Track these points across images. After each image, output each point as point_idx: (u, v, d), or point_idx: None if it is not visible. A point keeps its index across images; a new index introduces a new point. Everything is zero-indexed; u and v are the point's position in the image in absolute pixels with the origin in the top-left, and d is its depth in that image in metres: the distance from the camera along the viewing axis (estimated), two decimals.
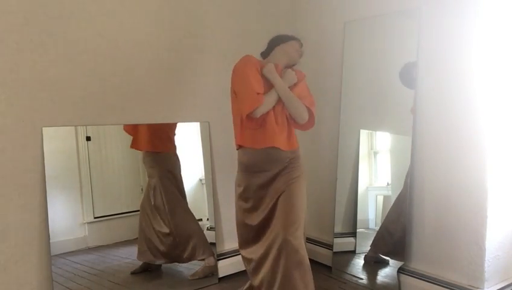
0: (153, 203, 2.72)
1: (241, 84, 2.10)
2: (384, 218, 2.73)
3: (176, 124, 2.76)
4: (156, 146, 2.76)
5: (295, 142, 2.22)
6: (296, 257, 2.03)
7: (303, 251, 2.07)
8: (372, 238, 2.77)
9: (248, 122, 2.11)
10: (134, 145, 2.67)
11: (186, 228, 2.78)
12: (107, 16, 2.40)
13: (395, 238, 2.57)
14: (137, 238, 2.71)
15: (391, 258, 2.66)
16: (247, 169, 2.20)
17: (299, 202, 2.12)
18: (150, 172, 2.75)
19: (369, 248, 2.79)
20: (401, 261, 2.54)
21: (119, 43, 2.45)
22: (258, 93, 2.04)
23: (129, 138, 2.68)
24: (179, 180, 2.79)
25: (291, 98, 2.12)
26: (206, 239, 2.82)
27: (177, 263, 2.81)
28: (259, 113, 2.06)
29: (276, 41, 2.26)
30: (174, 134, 2.78)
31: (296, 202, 2.11)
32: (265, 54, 2.28)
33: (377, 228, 2.80)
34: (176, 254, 2.76)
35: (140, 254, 2.69)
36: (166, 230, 2.73)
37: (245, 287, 2.49)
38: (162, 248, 2.72)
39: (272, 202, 2.14)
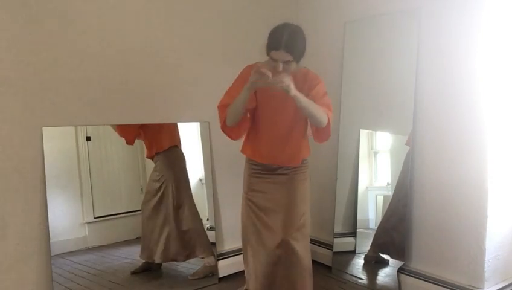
0: (158, 199, 2.72)
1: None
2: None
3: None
4: (165, 143, 2.78)
5: (304, 155, 2.17)
6: (294, 259, 2.02)
7: (303, 253, 2.06)
8: (371, 238, 2.77)
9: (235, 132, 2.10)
10: (149, 153, 2.72)
11: (191, 224, 2.78)
12: (106, 16, 2.40)
13: (392, 237, 2.57)
14: (137, 238, 2.71)
15: (391, 257, 2.65)
16: (253, 163, 2.21)
17: (301, 204, 2.11)
18: (162, 167, 2.74)
19: (369, 248, 2.79)
20: (401, 261, 2.54)
21: (119, 44, 2.45)
22: (224, 105, 2.04)
23: None
24: (187, 175, 2.81)
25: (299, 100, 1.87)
26: (208, 238, 2.82)
27: (177, 263, 2.81)
28: (229, 122, 2.03)
29: (267, 48, 1.96)
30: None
31: (298, 204, 2.10)
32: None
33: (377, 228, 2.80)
34: (176, 251, 2.76)
35: (143, 252, 2.70)
36: (171, 226, 2.73)
37: (245, 287, 2.49)
38: (164, 244, 2.73)
39: (275, 198, 2.13)
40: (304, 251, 2.07)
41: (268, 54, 1.94)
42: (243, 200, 2.23)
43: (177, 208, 2.74)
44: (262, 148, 2.13)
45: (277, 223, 2.10)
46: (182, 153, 2.80)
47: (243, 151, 2.23)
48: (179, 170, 2.80)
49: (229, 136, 2.13)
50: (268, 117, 2.10)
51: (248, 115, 2.10)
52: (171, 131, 2.78)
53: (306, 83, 2.05)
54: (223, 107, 2.06)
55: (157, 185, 2.73)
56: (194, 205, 2.80)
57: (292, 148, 2.12)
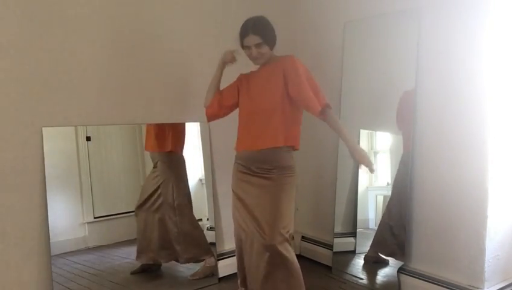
0: (159, 203, 2.72)
1: None
2: (385, 218, 2.71)
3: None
4: (174, 146, 2.78)
5: (290, 140, 2.11)
6: (278, 260, 2.01)
7: (289, 255, 2.03)
8: (372, 238, 2.77)
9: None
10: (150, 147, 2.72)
11: (190, 228, 2.78)
12: (105, 15, 2.40)
13: (398, 239, 2.56)
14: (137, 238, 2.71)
15: (393, 258, 2.64)
16: (238, 165, 2.20)
17: (284, 206, 2.07)
18: (163, 171, 2.74)
19: (369, 248, 2.79)
20: (401, 261, 2.54)
21: (119, 43, 2.45)
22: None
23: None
24: (187, 181, 2.81)
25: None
26: (206, 241, 2.82)
27: (177, 263, 2.80)
28: (205, 103, 2.32)
29: (240, 41, 2.17)
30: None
31: (282, 205, 2.06)
32: None
33: (377, 228, 2.80)
34: (176, 253, 2.76)
35: (139, 254, 2.68)
36: (168, 228, 2.74)
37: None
38: (165, 245, 2.72)
39: (259, 201, 2.10)
40: (289, 253, 2.04)
41: (242, 47, 2.15)
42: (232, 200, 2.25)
43: (176, 210, 2.74)
44: (245, 133, 2.16)
45: (261, 225, 2.07)
46: (184, 158, 2.81)
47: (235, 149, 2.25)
48: (181, 173, 2.79)
49: (206, 115, 2.34)
50: (249, 101, 2.15)
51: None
52: (182, 136, 2.80)
53: (280, 64, 2.12)
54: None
55: (155, 186, 2.72)
56: (192, 209, 2.80)
57: (274, 128, 2.07)
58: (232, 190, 2.22)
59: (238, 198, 2.17)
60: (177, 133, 2.78)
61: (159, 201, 2.71)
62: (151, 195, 2.71)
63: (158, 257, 2.72)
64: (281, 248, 2.00)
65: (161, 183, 2.72)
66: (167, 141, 2.75)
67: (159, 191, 2.71)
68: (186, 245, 2.75)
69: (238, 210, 2.17)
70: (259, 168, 2.10)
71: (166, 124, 2.70)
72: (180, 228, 2.74)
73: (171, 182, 2.73)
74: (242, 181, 2.16)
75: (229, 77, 2.29)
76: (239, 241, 2.20)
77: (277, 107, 2.07)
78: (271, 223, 2.03)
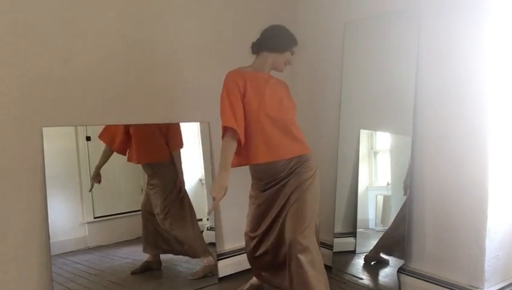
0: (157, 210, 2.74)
1: (222, 102, 2.13)
2: (392, 220, 2.70)
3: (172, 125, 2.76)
4: (152, 157, 2.75)
5: (300, 149, 2.18)
6: (306, 256, 2.02)
7: (314, 250, 2.06)
8: (371, 238, 2.77)
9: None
10: (130, 159, 2.68)
11: (183, 234, 2.79)
12: (107, 16, 2.40)
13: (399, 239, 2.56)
14: (137, 238, 2.71)
15: (394, 256, 2.64)
16: (255, 178, 2.25)
17: (309, 202, 2.12)
18: (150, 181, 2.74)
19: (369, 248, 2.78)
20: (401, 258, 2.53)
21: (119, 43, 2.45)
22: (229, 126, 2.06)
23: None
24: (180, 185, 2.80)
25: None
26: (204, 242, 2.83)
27: (177, 263, 2.81)
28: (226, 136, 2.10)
29: (270, 45, 2.16)
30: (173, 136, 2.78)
31: (306, 202, 2.12)
32: (255, 49, 2.22)
33: (377, 228, 2.80)
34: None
35: (146, 246, 2.70)
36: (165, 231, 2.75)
37: (245, 287, 2.50)
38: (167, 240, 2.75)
39: (282, 203, 2.15)
40: (314, 248, 2.08)
41: (284, 51, 2.17)
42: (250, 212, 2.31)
43: (164, 220, 2.74)
44: (268, 141, 2.10)
45: (286, 224, 2.12)
46: (175, 164, 2.79)
47: (235, 163, 2.18)
48: (170, 181, 2.80)
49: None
50: (269, 107, 2.11)
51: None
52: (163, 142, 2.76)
53: (284, 84, 2.26)
54: (229, 130, 2.10)
55: (152, 191, 2.73)
56: (188, 215, 2.80)
57: (300, 137, 2.18)
58: (253, 210, 2.26)
59: (261, 213, 2.23)
60: (151, 141, 2.75)
61: (156, 204, 2.73)
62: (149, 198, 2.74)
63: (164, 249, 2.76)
64: (302, 241, 2.03)
65: (156, 190, 2.73)
66: (140, 153, 2.70)
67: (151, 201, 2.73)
68: (181, 248, 2.77)
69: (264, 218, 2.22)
70: (285, 173, 2.15)
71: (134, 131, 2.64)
72: (172, 234, 2.75)
73: (159, 192, 2.73)
74: (266, 196, 2.20)
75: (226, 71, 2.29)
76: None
77: (294, 118, 2.20)
78: (294, 219, 2.08)
